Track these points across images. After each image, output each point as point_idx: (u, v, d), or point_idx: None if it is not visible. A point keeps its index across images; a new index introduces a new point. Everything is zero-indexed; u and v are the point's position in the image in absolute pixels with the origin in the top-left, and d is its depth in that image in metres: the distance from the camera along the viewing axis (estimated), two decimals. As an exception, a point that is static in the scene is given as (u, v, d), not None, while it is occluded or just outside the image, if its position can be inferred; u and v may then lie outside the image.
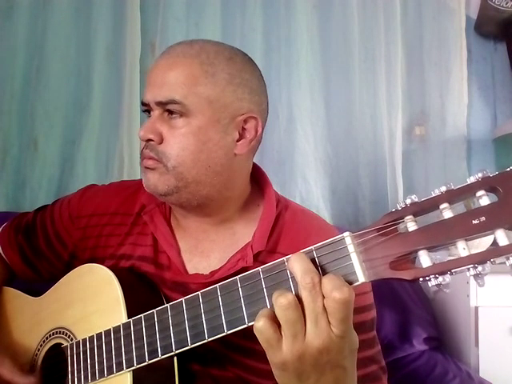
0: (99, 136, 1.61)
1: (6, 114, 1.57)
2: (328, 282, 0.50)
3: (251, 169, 0.82)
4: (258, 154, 0.82)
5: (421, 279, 0.50)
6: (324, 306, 0.50)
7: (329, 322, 0.50)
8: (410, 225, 0.51)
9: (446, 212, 0.49)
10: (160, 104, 0.72)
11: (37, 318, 0.83)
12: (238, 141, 0.75)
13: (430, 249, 0.50)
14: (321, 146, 1.75)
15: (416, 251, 0.50)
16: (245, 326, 0.57)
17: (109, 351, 0.69)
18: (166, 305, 0.65)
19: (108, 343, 0.70)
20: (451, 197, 0.49)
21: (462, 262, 0.48)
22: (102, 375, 0.70)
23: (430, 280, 0.49)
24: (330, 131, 1.76)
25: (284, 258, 0.55)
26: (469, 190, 0.49)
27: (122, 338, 0.68)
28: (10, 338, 0.85)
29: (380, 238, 0.52)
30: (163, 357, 0.64)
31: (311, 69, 1.75)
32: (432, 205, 0.50)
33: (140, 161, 0.76)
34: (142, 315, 0.67)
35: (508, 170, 0.48)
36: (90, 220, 0.85)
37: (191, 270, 0.78)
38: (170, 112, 0.72)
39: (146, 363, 0.65)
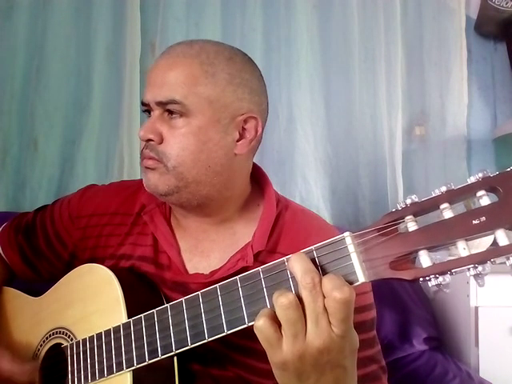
0: (99, 136, 1.61)
1: (5, 113, 1.57)
2: (328, 282, 0.50)
3: (251, 169, 0.82)
4: (258, 154, 0.82)
5: (421, 279, 0.50)
6: (324, 305, 0.50)
7: (329, 322, 0.50)
8: (411, 225, 0.51)
9: (447, 212, 0.49)
10: (160, 104, 0.72)
11: (37, 318, 0.83)
12: (238, 141, 0.75)
13: (430, 249, 0.50)
14: (321, 146, 1.75)
15: (416, 251, 0.50)
16: (245, 325, 0.57)
17: (109, 351, 0.69)
18: (165, 305, 0.65)
19: (108, 343, 0.70)
20: (451, 197, 0.49)
21: (462, 261, 0.48)
22: (101, 375, 0.70)
23: (430, 280, 0.49)
24: (329, 131, 1.76)
25: (284, 258, 0.55)
26: (469, 190, 0.49)
27: (121, 337, 0.68)
28: (10, 338, 0.85)
29: (380, 238, 0.52)
30: (163, 357, 0.64)
31: (311, 69, 1.75)
32: (432, 205, 0.50)
33: (140, 161, 0.76)
34: (141, 315, 0.67)
35: (508, 170, 0.48)
36: (90, 220, 0.85)
37: (191, 269, 0.78)
38: (170, 112, 0.72)
39: (145, 363, 0.65)
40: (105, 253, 0.83)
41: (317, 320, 0.50)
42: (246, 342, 0.69)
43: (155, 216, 0.81)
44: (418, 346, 1.42)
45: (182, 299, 0.63)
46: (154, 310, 0.66)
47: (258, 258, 0.74)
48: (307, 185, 1.74)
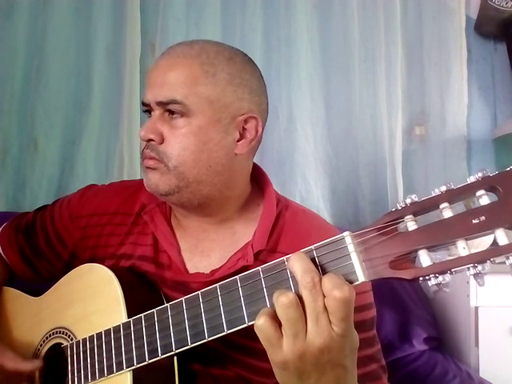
0: (99, 136, 1.61)
1: (5, 113, 1.57)
2: (328, 281, 0.50)
3: (251, 169, 0.82)
4: (258, 154, 0.83)
5: (421, 278, 0.50)
6: (325, 305, 0.50)
7: (330, 321, 0.51)
8: (410, 224, 0.51)
9: (446, 211, 0.49)
10: (161, 104, 0.72)
11: (37, 318, 0.83)
12: (238, 141, 0.75)
13: (429, 248, 0.50)
14: (321, 146, 1.75)
15: (416, 251, 0.50)
16: (245, 325, 0.57)
17: (109, 351, 0.69)
18: (165, 304, 0.65)
19: (108, 343, 0.70)
20: (451, 196, 0.49)
21: (461, 261, 0.48)
22: (102, 375, 0.70)
23: (429, 279, 0.50)
24: (329, 131, 1.76)
25: (284, 258, 0.55)
26: (469, 190, 0.49)
27: (122, 337, 0.68)
28: (10, 338, 0.85)
29: (380, 238, 0.52)
30: (163, 356, 0.64)
31: (311, 69, 1.75)
32: (432, 204, 0.50)
33: (141, 161, 0.76)
34: (142, 315, 0.67)
35: (508, 169, 0.48)
36: (90, 220, 0.86)
37: (191, 269, 0.78)
38: (171, 112, 0.72)
39: (146, 363, 0.65)
40: (105, 252, 0.83)
41: (317, 319, 0.50)
42: (246, 342, 0.69)
43: (155, 216, 0.82)
44: (418, 345, 1.42)
45: (182, 299, 0.63)
46: (154, 310, 0.66)
47: (259, 257, 0.74)
48: (307, 185, 1.74)
